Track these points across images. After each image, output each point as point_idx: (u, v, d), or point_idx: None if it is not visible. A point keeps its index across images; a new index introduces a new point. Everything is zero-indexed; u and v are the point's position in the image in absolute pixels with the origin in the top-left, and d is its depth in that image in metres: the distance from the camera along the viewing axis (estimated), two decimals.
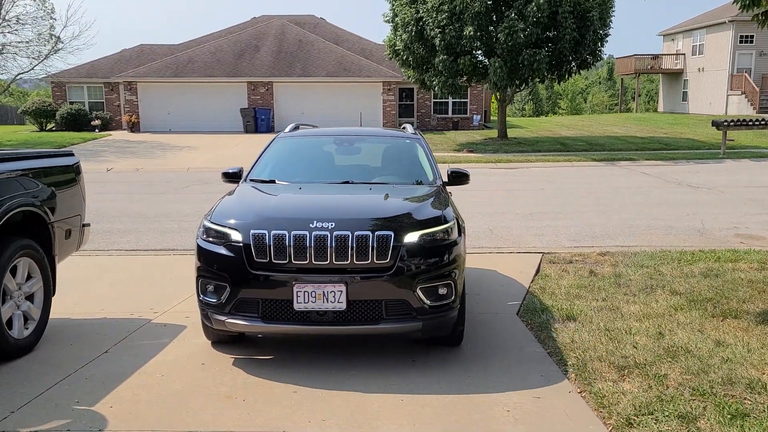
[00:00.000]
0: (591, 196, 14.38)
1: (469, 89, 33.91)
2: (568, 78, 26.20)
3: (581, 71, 26.11)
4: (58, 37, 27.70)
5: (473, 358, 4.96)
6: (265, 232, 4.48)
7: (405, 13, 23.93)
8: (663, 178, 17.11)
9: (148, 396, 4.15)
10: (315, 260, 4.41)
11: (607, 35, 24.62)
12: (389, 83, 32.17)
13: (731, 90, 38.83)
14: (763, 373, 4.32)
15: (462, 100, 34.59)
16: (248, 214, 4.78)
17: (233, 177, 6.20)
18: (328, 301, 4.35)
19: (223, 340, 5.15)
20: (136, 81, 32.23)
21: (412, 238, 4.54)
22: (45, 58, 27.22)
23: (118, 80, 32.66)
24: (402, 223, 4.66)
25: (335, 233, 4.42)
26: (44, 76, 31.05)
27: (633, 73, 46.02)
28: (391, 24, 25.12)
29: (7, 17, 26.31)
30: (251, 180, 6.02)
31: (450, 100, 34.39)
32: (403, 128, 7.79)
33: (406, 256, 4.48)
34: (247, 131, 31.49)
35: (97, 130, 31.88)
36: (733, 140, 24.75)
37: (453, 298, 4.66)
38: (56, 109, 32.95)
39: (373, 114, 32.30)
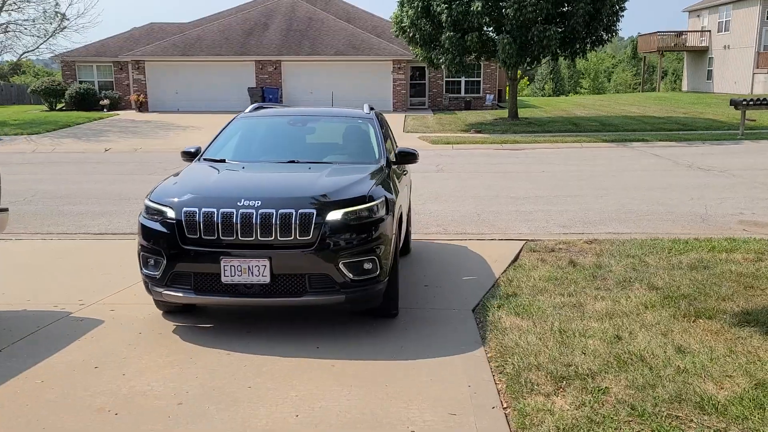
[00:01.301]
0: (593, 179, 13.68)
1: (482, 68, 33.05)
2: (582, 56, 25.18)
3: (596, 48, 25.06)
4: (64, 15, 27.39)
5: (405, 361, 4.44)
6: (196, 209, 4.70)
7: None
8: (673, 160, 16.29)
9: (11, 407, 3.69)
10: (241, 236, 4.62)
11: (623, 10, 23.56)
12: (399, 62, 31.38)
13: (758, 68, 37.31)
14: (721, 388, 3.73)
15: (475, 79, 33.67)
16: (183, 192, 4.95)
17: (191, 156, 6.36)
18: (252, 275, 4.58)
19: (172, 310, 5.38)
20: (144, 60, 31.89)
21: (335, 215, 4.71)
22: (50, 37, 26.99)
23: (127, 59, 32.36)
24: (327, 201, 4.80)
25: (260, 211, 4.62)
26: (51, 55, 30.87)
27: (656, 50, 44.49)
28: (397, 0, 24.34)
29: None
30: (204, 159, 6.15)
31: (462, 79, 33.50)
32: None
33: (329, 233, 4.67)
34: None
35: (105, 110, 31.66)
36: (754, 120, 23.66)
37: (378, 272, 4.84)
38: (65, 88, 32.78)
39: (383, 93, 31.59)
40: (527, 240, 8.64)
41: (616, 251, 7.86)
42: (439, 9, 22.40)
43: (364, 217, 4.82)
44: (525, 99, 46.02)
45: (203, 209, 4.67)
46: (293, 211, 4.63)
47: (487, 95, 33.53)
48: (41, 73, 66.46)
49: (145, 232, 4.90)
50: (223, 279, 4.60)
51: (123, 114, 30.43)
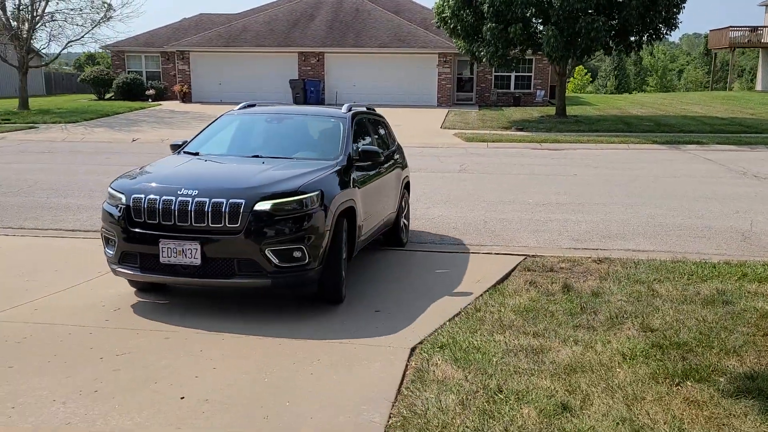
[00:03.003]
0: (628, 185, 12.31)
1: (533, 62, 31.47)
2: (637, 50, 23.45)
3: (653, 43, 23.23)
4: (110, 5, 27.46)
5: (280, 425, 3.48)
6: (142, 196, 5.18)
7: None
8: (727, 167, 14.63)
9: None
10: (178, 222, 5.07)
11: (684, 1, 21.68)
12: (446, 55, 30.15)
13: None
14: None
15: (525, 74, 32.07)
16: (138, 182, 5.48)
17: (177, 148, 6.84)
18: (186, 257, 5.02)
19: (144, 288, 5.80)
20: (188, 50, 31.78)
21: (263, 206, 5.06)
22: (96, 26, 27.01)
23: (172, 49, 32.34)
24: (258, 192, 5.14)
25: (196, 200, 5.06)
26: (100, 46, 31.21)
27: (727, 47, 41.57)
28: None
29: None
30: (184, 152, 6.64)
31: (512, 74, 31.94)
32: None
33: (256, 222, 5.02)
34: (296, 103, 30.47)
35: (150, 100, 31.77)
36: None
37: (307, 261, 5.14)
38: (114, 78, 33.09)
39: (427, 87, 30.49)
40: (527, 255, 7.54)
41: (625, 275, 6.69)
42: None
43: (294, 209, 5.14)
44: (582, 96, 43.90)
45: (148, 196, 5.16)
46: (224, 200, 5.04)
47: (538, 91, 31.90)
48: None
49: (105, 216, 5.44)
50: (161, 260, 5.05)
51: (166, 104, 30.41)
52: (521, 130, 21.56)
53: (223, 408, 3.56)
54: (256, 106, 7.70)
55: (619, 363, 4.17)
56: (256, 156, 6.30)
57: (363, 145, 6.77)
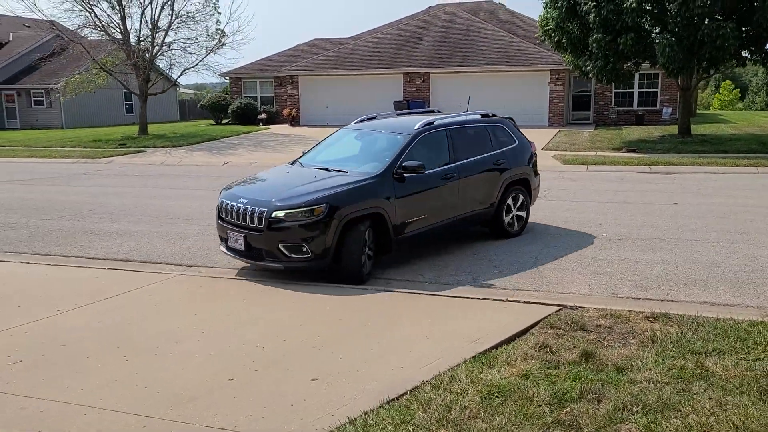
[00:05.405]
0: (735, 217, 10.19)
1: (659, 77, 28.62)
2: None
3: None
4: (223, 32, 28.35)
5: None
6: (224, 200, 7.46)
7: None
8: None
9: None
10: (236, 221, 7.24)
11: None
12: (558, 72, 28.14)
13: None
14: None
15: (650, 89, 29.20)
16: (229, 190, 7.72)
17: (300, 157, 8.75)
18: (238, 245, 7.20)
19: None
20: (297, 75, 32.19)
21: (278, 213, 6.87)
22: (209, 53, 28.00)
23: (283, 74, 32.94)
24: (276, 205, 6.94)
25: (243, 206, 7.12)
26: (221, 73, 32.46)
27: None
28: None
29: (179, 14, 27.42)
30: (297, 162, 8.51)
31: (635, 90, 29.19)
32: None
33: (272, 224, 6.88)
34: None
35: (261, 124, 32.47)
36: None
37: (310, 255, 6.84)
38: (230, 103, 34.27)
39: (538, 106, 28.59)
40: (564, 306, 6.13)
41: (677, 341, 5.17)
42: (586, 8, 19.30)
43: (299, 216, 6.84)
44: (723, 114, 39.61)
45: (226, 201, 7.42)
46: (256, 208, 7.00)
47: (664, 108, 28.89)
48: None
49: (216, 211, 7.70)
50: (229, 244, 7.37)
51: (275, 128, 30.88)
52: (633, 151, 19.30)
53: None
54: (377, 118, 9.11)
55: None
56: (325, 169, 7.83)
57: (408, 161, 7.59)
